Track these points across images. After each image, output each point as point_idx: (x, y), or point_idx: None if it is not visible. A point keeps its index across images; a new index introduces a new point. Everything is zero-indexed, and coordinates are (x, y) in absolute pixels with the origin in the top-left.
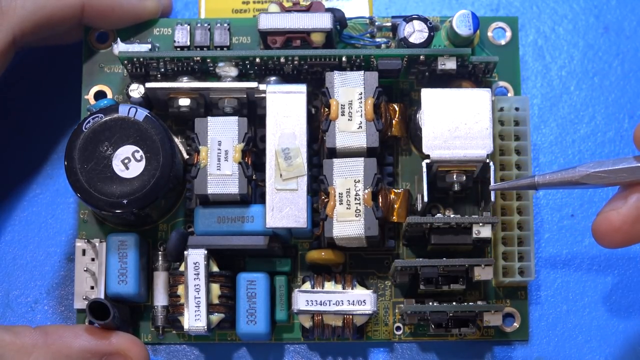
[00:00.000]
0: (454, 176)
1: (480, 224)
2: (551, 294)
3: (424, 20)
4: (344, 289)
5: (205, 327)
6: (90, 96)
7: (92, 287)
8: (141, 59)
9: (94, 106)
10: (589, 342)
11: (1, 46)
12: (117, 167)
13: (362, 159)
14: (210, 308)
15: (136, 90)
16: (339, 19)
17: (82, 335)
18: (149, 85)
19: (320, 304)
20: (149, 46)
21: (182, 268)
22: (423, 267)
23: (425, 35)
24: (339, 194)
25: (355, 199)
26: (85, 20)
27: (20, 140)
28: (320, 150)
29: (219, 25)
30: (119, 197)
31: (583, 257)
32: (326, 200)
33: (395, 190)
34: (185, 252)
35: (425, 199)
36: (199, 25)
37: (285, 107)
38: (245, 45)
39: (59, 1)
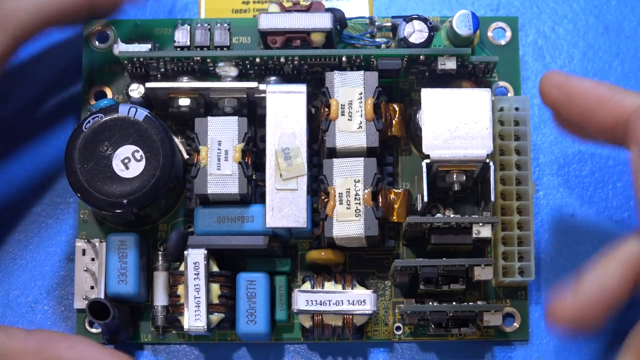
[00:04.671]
0: (454, 176)
1: (480, 224)
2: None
3: (424, 20)
4: (344, 289)
5: (205, 327)
6: (90, 96)
7: (92, 287)
8: (141, 59)
9: (94, 106)
10: (589, 342)
11: (2, 49)
12: (117, 167)
13: (362, 159)
14: (210, 308)
15: (136, 90)
16: (339, 19)
17: (76, 348)
18: (149, 85)
19: (320, 304)
20: (149, 46)
21: (182, 268)
22: (423, 267)
23: (425, 35)
24: (339, 193)
25: (355, 198)
26: (96, 14)
27: (20, 141)
28: (320, 150)
29: (219, 25)
30: (119, 197)
31: (583, 257)
32: (326, 200)
33: (395, 190)
34: (185, 252)
35: (425, 199)
36: (199, 25)
37: (285, 107)
38: (245, 45)
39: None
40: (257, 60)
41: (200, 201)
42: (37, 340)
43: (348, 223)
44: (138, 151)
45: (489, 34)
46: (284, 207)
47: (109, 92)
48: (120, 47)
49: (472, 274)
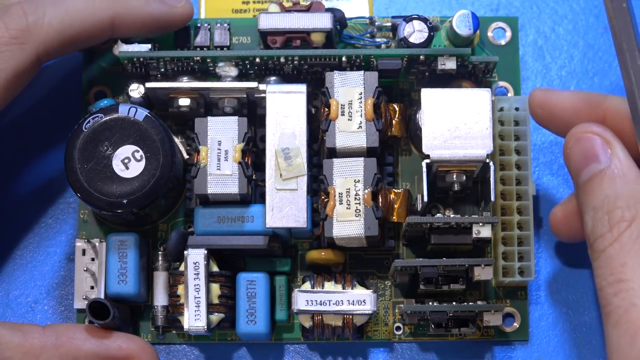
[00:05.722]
0: (454, 176)
1: (480, 224)
2: (551, 294)
3: (424, 20)
4: (343, 289)
5: (205, 327)
6: (90, 96)
7: (92, 287)
8: (141, 59)
9: (94, 106)
10: (589, 342)
11: (24, 65)
12: (117, 167)
13: (362, 159)
14: (210, 308)
15: (136, 90)
16: (339, 19)
17: (93, 337)
18: (149, 85)
19: (320, 304)
20: (149, 46)
21: (182, 268)
22: (423, 267)
23: (425, 35)
24: (339, 193)
25: (355, 198)
26: (116, 34)
27: (20, 141)
28: (320, 150)
29: (219, 25)
30: (119, 197)
31: (583, 257)
32: (326, 200)
33: (395, 190)
34: (185, 252)
35: (425, 199)
36: (199, 25)
37: (285, 107)
38: (245, 45)
39: (87, 19)
40: (257, 60)
41: (200, 201)
42: (54, 334)
43: (348, 223)
44: (138, 151)
45: (489, 34)
46: (284, 207)
47: (109, 92)
48: (120, 47)
49: (472, 274)
